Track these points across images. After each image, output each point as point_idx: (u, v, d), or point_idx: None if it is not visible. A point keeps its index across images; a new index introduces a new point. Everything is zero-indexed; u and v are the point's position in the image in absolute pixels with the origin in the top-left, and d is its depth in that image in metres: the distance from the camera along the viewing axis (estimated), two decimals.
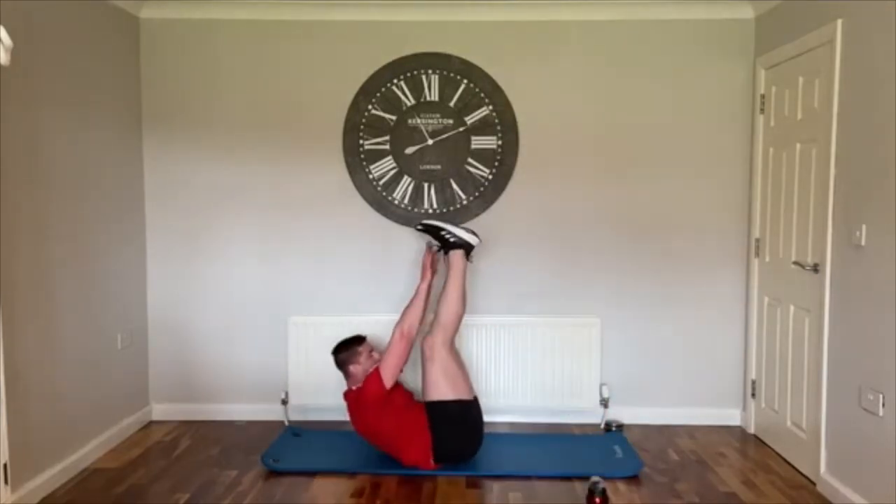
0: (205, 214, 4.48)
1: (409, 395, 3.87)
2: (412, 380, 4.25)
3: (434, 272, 3.98)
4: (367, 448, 3.86)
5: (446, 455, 3.68)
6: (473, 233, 3.99)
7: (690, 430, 4.36)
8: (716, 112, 4.38)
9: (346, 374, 3.87)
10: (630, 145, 4.41)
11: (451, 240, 3.94)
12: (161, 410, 4.54)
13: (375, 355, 3.88)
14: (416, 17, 4.37)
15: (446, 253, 3.96)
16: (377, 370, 3.70)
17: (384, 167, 4.45)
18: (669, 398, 4.48)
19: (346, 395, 3.83)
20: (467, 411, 3.72)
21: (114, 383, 4.11)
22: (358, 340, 3.92)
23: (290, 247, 4.50)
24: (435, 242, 4.01)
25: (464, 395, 3.72)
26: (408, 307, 3.85)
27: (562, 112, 4.42)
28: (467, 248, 3.95)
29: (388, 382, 3.67)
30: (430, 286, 3.92)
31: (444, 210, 4.44)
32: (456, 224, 4.04)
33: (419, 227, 4.05)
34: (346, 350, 3.89)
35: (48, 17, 3.50)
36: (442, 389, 3.68)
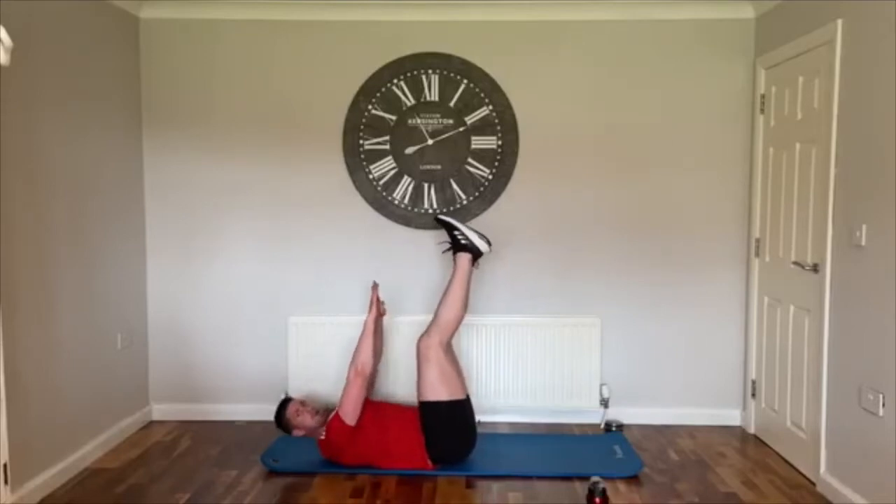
0: (205, 214, 4.48)
1: (381, 410, 3.79)
2: (408, 378, 4.25)
3: (379, 313, 3.91)
4: None
5: (441, 455, 3.68)
6: (487, 240, 3.95)
7: (690, 430, 4.36)
8: (716, 112, 4.39)
9: (304, 432, 3.80)
10: (630, 145, 4.41)
11: (463, 242, 3.93)
12: (161, 410, 4.54)
13: (305, 408, 3.82)
14: (416, 17, 4.37)
15: (454, 253, 3.95)
16: (337, 415, 3.65)
17: (384, 167, 4.45)
18: (669, 398, 4.48)
19: (319, 446, 3.76)
20: (460, 411, 3.72)
21: (114, 383, 4.11)
22: (283, 405, 3.85)
23: (290, 247, 4.50)
24: (446, 241, 4.01)
25: (457, 395, 3.72)
26: (357, 345, 3.77)
27: (562, 112, 4.42)
28: (476, 254, 3.94)
29: (350, 421, 3.63)
30: (375, 321, 3.85)
31: (444, 210, 4.44)
32: (471, 227, 4.01)
33: (437, 219, 4.07)
34: (282, 418, 3.82)
35: (48, 17, 3.50)
36: (437, 390, 3.67)
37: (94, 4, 3.94)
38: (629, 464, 3.78)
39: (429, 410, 3.67)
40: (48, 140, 3.51)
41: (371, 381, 3.82)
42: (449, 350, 3.82)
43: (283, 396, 4.19)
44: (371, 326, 3.81)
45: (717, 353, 4.47)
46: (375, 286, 3.95)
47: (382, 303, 3.95)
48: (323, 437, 3.70)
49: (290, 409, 3.83)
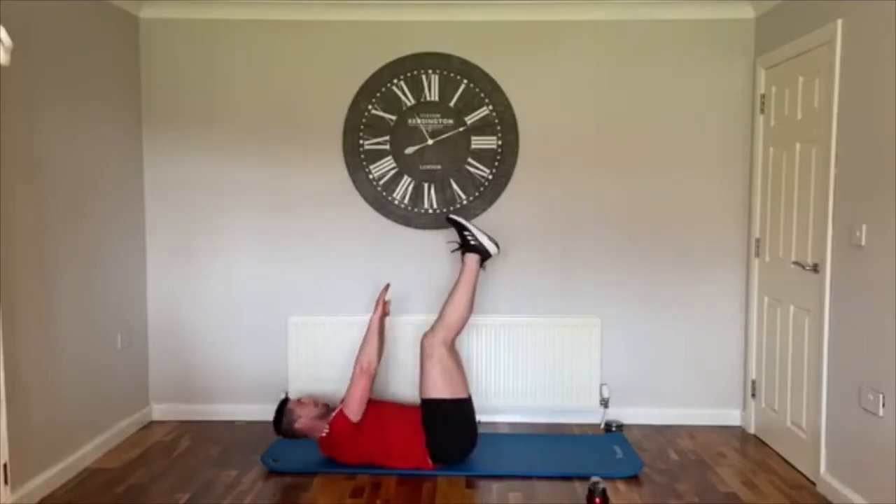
0: (205, 214, 4.48)
1: (382, 409, 3.78)
2: (412, 378, 4.25)
3: (385, 312, 3.91)
4: None
5: (441, 454, 3.68)
6: (495, 242, 3.96)
7: (690, 430, 4.36)
8: (716, 112, 4.39)
9: (304, 433, 3.75)
10: (630, 145, 4.41)
11: (472, 242, 3.94)
12: (161, 410, 4.54)
13: (305, 399, 3.81)
14: (416, 17, 4.37)
15: (463, 254, 3.96)
16: (341, 412, 3.65)
17: (384, 167, 4.45)
18: (669, 398, 4.48)
19: (320, 444, 3.75)
20: (462, 410, 3.73)
21: (114, 383, 4.11)
22: (283, 404, 3.80)
23: (290, 246, 4.50)
24: (455, 240, 4.02)
25: (460, 394, 3.72)
26: (363, 343, 3.80)
27: (562, 112, 4.42)
28: (484, 255, 3.95)
29: (354, 418, 3.63)
30: (381, 320, 3.85)
31: (444, 210, 4.43)
32: (480, 229, 4.00)
33: (448, 218, 4.08)
34: (282, 418, 3.75)
35: (48, 17, 3.50)
36: (440, 388, 3.68)
37: (94, 4, 3.94)
38: (629, 464, 3.78)
39: (430, 408, 3.67)
40: (48, 140, 3.51)
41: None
42: (452, 349, 3.82)
43: (282, 396, 4.17)
44: (376, 325, 3.82)
45: (717, 353, 4.46)
46: (386, 287, 3.96)
47: (388, 303, 3.96)
48: (324, 434, 3.70)
49: (290, 403, 3.80)
